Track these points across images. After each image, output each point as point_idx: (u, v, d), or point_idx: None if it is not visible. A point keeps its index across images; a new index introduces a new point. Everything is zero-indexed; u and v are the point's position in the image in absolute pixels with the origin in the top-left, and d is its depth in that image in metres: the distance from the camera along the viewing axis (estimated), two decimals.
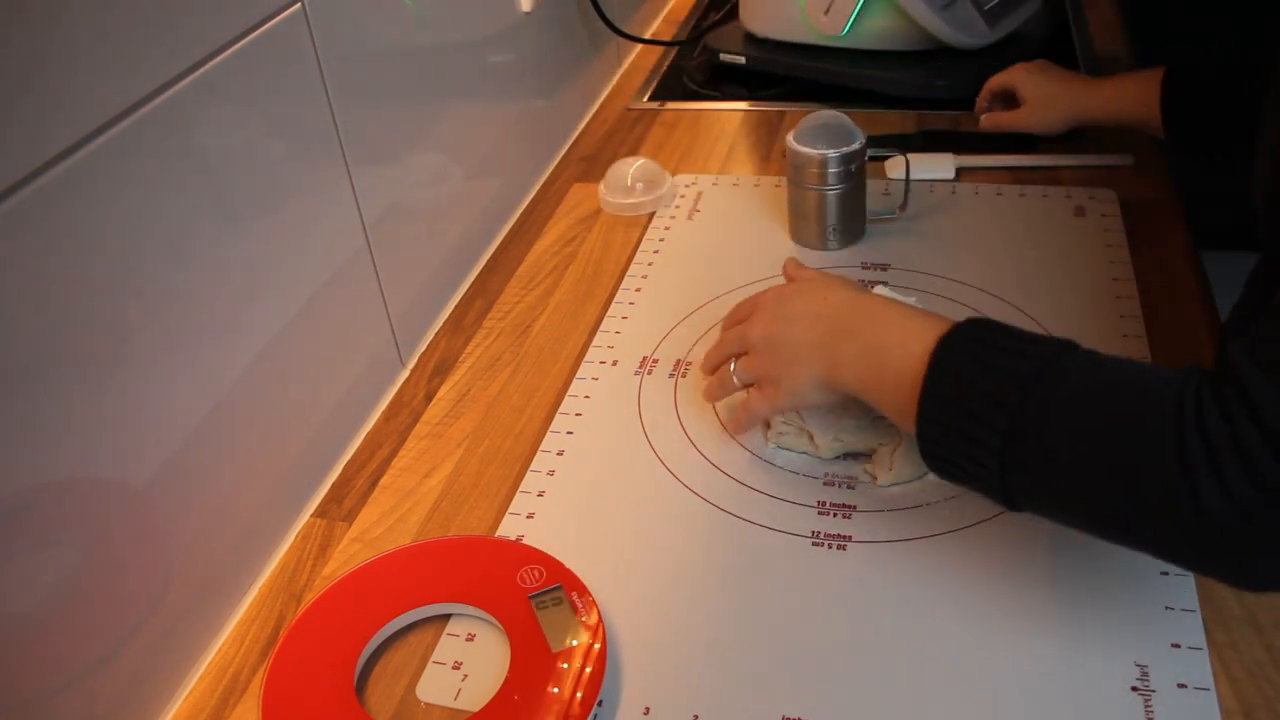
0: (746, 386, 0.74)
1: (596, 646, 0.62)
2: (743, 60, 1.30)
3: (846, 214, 0.96)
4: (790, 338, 0.69)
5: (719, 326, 0.89)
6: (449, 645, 0.66)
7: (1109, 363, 0.55)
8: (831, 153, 0.93)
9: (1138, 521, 0.52)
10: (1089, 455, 0.52)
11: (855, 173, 0.94)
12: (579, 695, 0.60)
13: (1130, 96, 0.97)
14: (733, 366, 0.73)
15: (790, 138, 0.95)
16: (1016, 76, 1.07)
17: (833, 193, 0.95)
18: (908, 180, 0.99)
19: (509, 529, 0.73)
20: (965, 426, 0.56)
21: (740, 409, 0.73)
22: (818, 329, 0.67)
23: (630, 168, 1.07)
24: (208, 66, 0.64)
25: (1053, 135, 1.06)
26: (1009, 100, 1.10)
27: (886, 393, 0.62)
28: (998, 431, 0.54)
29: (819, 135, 0.94)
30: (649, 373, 0.86)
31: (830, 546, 0.69)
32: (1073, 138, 1.07)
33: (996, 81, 1.10)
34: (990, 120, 1.09)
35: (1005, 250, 0.94)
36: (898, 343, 0.62)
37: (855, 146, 0.93)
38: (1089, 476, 0.53)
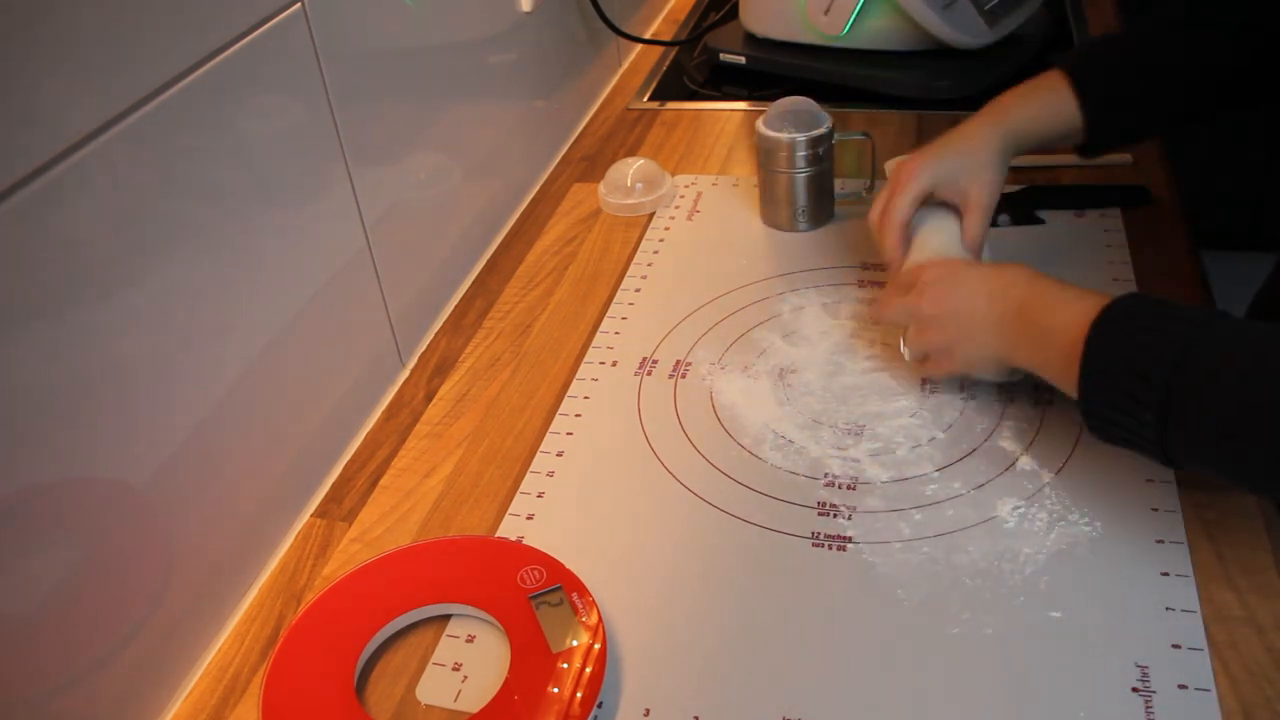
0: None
1: (596, 647, 0.62)
2: (743, 60, 1.30)
3: (815, 196, 0.99)
4: (965, 313, 0.73)
5: (719, 326, 0.89)
6: (449, 646, 0.66)
7: (1258, 324, 0.59)
8: (799, 136, 0.96)
9: None
10: (1256, 406, 0.56)
11: (823, 156, 0.98)
12: (579, 695, 0.60)
13: (1037, 100, 0.84)
14: (902, 346, 0.79)
15: (759, 123, 0.98)
16: (919, 181, 0.82)
17: (801, 175, 0.98)
18: (874, 162, 1.03)
19: (509, 529, 0.73)
20: (1123, 388, 0.60)
21: (919, 371, 0.81)
22: (994, 309, 0.71)
23: (630, 168, 1.07)
24: (208, 66, 0.64)
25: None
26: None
27: (1056, 370, 0.67)
28: (1154, 391, 0.58)
29: (787, 120, 0.98)
30: (649, 373, 0.86)
31: (830, 547, 0.69)
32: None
33: (901, 216, 0.83)
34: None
35: (1005, 251, 0.94)
36: (1064, 324, 0.66)
37: (822, 130, 0.97)
38: (1256, 429, 0.56)
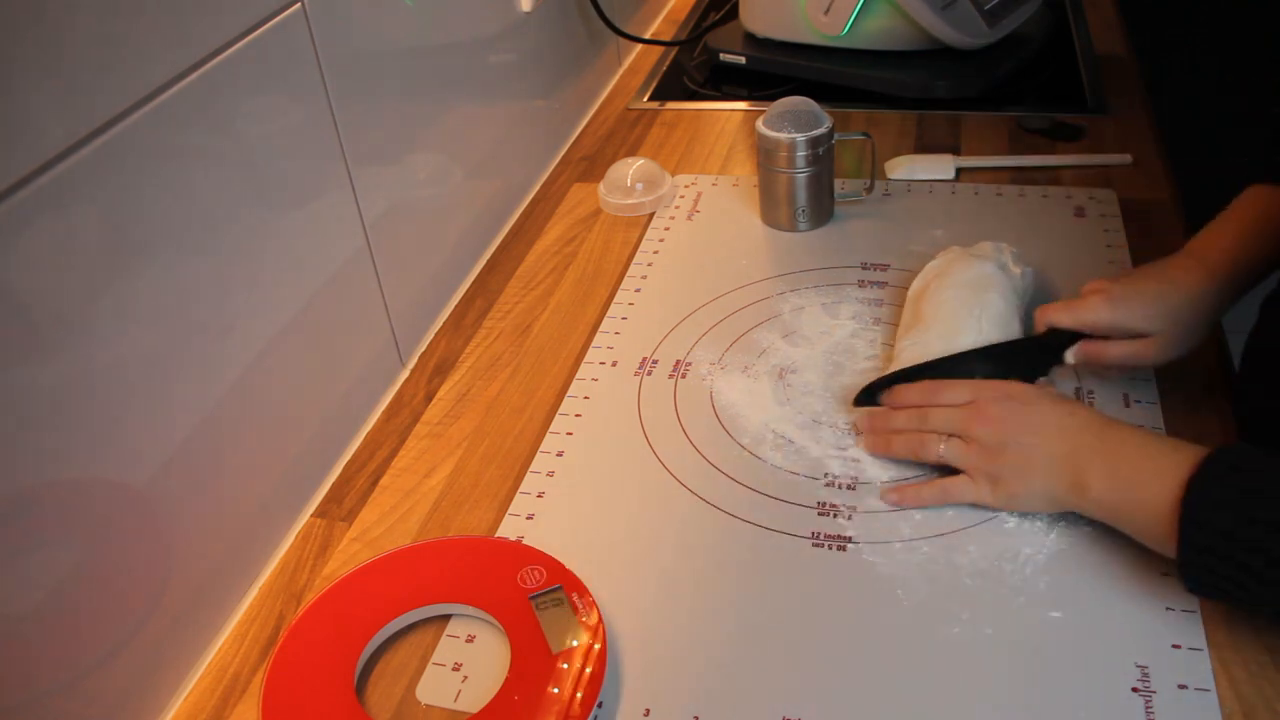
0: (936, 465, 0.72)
1: (596, 647, 0.62)
2: (743, 60, 1.30)
3: (815, 195, 1.00)
4: (1030, 444, 0.67)
5: (719, 326, 0.89)
6: (449, 646, 0.66)
7: None
8: (800, 136, 0.96)
9: None
10: None
11: (823, 155, 0.98)
12: (579, 696, 0.60)
13: (1260, 232, 0.74)
14: (941, 448, 0.70)
15: (760, 123, 0.98)
16: (1102, 314, 0.74)
17: (801, 175, 0.98)
18: (874, 163, 1.04)
19: (509, 529, 0.73)
20: (1237, 547, 0.56)
21: (937, 489, 0.70)
22: (1065, 443, 0.66)
23: (630, 168, 1.07)
24: (208, 66, 0.64)
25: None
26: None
27: (1137, 521, 0.63)
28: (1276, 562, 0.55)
29: (787, 119, 0.97)
30: (649, 373, 0.86)
31: (830, 547, 0.69)
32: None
33: (1068, 319, 0.76)
34: (1090, 357, 0.76)
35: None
36: (1151, 474, 0.61)
37: (822, 130, 0.97)
38: None
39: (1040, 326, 0.77)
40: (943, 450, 0.70)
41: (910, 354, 0.78)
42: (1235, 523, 0.57)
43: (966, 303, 0.79)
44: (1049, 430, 0.67)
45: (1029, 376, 0.75)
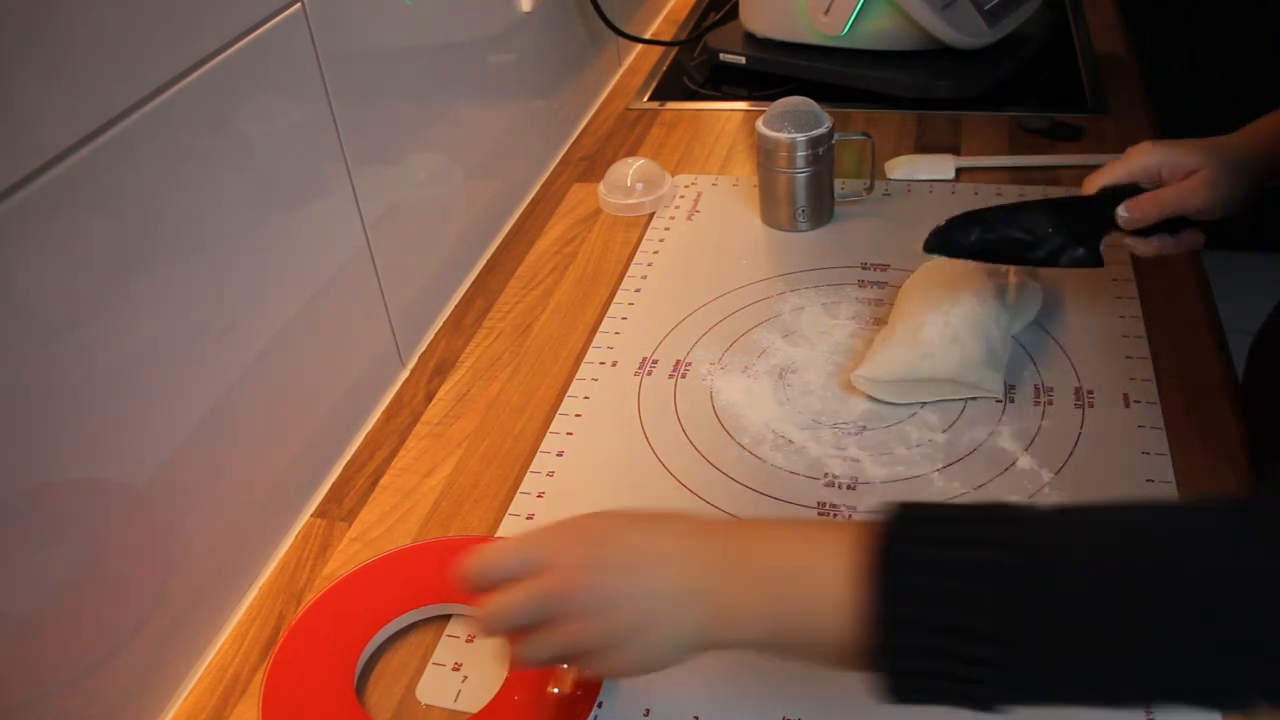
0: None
1: None
2: (743, 60, 1.30)
3: (815, 196, 1.00)
4: (647, 588, 0.50)
5: (719, 326, 0.89)
6: (449, 646, 0.66)
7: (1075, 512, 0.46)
8: (800, 136, 0.96)
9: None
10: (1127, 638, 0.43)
11: (823, 155, 0.98)
12: (579, 695, 0.60)
13: None
14: (527, 653, 0.53)
15: (760, 123, 0.98)
16: (1151, 153, 0.76)
17: (801, 175, 0.98)
18: (874, 163, 1.04)
19: (509, 529, 0.73)
20: (947, 648, 0.44)
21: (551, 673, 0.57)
22: (687, 569, 0.50)
23: (630, 168, 1.07)
24: (208, 66, 0.64)
25: (1218, 219, 0.76)
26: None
27: (806, 630, 0.49)
28: (995, 642, 0.44)
29: (787, 120, 0.98)
30: (649, 373, 0.86)
31: None
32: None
33: (1118, 172, 0.77)
34: (1142, 207, 0.75)
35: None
36: (812, 564, 0.48)
37: (822, 130, 0.97)
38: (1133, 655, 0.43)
39: (1091, 189, 0.77)
40: (529, 656, 0.53)
41: (876, 349, 0.80)
42: (934, 608, 0.45)
43: (936, 297, 0.80)
44: (667, 561, 0.51)
45: (1086, 236, 0.76)
